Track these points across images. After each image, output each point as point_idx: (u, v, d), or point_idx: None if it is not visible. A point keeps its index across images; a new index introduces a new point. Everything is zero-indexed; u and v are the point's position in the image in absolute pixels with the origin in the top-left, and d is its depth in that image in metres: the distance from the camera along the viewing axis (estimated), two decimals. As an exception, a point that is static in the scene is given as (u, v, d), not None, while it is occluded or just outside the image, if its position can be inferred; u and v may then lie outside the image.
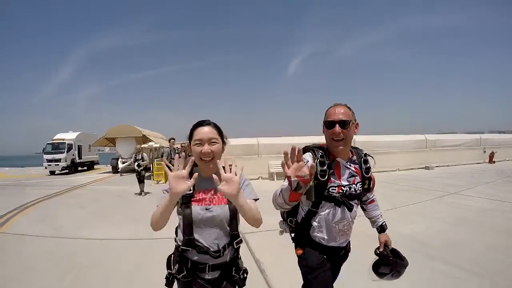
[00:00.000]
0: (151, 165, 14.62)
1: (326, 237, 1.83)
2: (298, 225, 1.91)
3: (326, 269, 1.83)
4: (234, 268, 1.59)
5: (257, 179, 12.18)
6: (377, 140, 14.36)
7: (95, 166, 23.82)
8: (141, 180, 9.52)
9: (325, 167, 1.73)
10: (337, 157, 1.80)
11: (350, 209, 1.81)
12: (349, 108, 1.78)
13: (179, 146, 9.69)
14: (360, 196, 1.90)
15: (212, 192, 1.55)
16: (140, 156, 9.52)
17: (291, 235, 2.00)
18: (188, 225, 1.49)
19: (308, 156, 1.75)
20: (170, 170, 1.39)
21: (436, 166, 13.61)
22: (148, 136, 17.89)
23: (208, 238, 1.51)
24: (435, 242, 4.29)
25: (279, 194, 1.59)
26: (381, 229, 2.04)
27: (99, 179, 14.54)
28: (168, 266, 1.60)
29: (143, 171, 9.59)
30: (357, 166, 1.85)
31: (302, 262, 1.86)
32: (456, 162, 14.66)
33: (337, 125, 1.72)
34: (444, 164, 14.20)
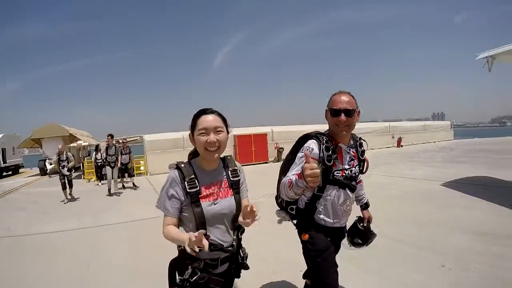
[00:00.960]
0: (81, 164, 14.73)
1: (331, 219, 1.93)
2: (300, 211, 1.98)
3: (332, 250, 1.97)
4: (240, 255, 1.61)
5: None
6: (294, 130, 15.74)
7: (20, 170, 22.17)
8: (68, 185, 8.27)
9: (330, 152, 1.82)
10: (339, 142, 1.90)
11: (353, 190, 1.96)
12: (352, 96, 1.88)
13: (117, 142, 9.98)
14: (357, 177, 2.02)
15: (217, 185, 1.52)
16: (64, 156, 8.11)
17: (292, 222, 2.07)
18: (201, 224, 1.44)
19: (313, 144, 1.85)
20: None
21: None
22: (75, 135, 17.29)
23: (219, 233, 1.50)
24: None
25: (290, 188, 1.65)
26: (366, 206, 2.24)
27: (29, 182, 14.06)
28: (179, 273, 1.49)
29: (71, 174, 8.39)
30: (354, 150, 1.97)
31: (310, 246, 1.93)
32: (369, 147, 16.99)
33: (342, 113, 1.80)
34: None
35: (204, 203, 1.45)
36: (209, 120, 1.44)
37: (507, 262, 3.14)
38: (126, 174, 10.42)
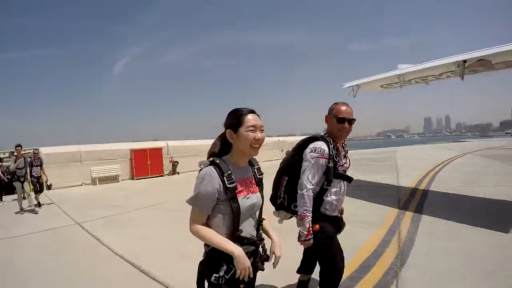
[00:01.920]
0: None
1: (333, 209, 2.25)
2: None
3: (336, 235, 2.31)
4: (262, 247, 1.68)
5: (81, 185, 12.89)
6: (188, 144, 16.99)
7: None
8: None
9: (336, 151, 2.18)
10: (338, 143, 2.26)
11: (350, 181, 2.30)
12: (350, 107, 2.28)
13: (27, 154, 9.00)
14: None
15: (247, 181, 1.59)
16: None
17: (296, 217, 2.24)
18: (237, 218, 1.49)
19: (323, 145, 2.16)
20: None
21: (241, 164, 16.88)
22: None
23: (249, 227, 1.58)
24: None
25: (302, 220, 2.09)
26: None
27: None
28: (214, 270, 1.48)
29: None
30: (343, 149, 2.33)
31: (321, 235, 2.18)
32: (260, 160, 18.30)
33: (346, 122, 2.20)
34: (251, 161, 17.68)
35: (240, 198, 1.50)
36: (256, 118, 1.52)
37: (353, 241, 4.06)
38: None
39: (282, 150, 20.63)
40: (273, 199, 2.44)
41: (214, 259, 1.50)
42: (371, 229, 4.85)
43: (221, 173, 1.47)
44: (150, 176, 14.16)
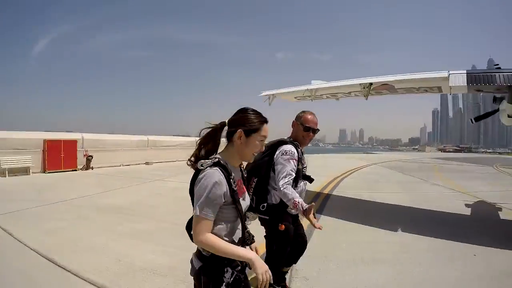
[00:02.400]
0: None
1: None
2: (273, 207, 2.40)
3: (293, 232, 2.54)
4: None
5: (-13, 176, 11.30)
6: (106, 138, 15.79)
7: None
8: None
9: (302, 155, 2.46)
10: (301, 147, 2.51)
11: (312, 181, 2.55)
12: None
13: None
14: None
15: (240, 182, 1.57)
16: None
17: (265, 218, 2.43)
18: (243, 223, 1.53)
19: (293, 148, 2.38)
20: None
21: (156, 162, 16.11)
22: None
23: (243, 227, 1.56)
24: (134, 207, 6.66)
25: (295, 208, 2.13)
26: None
27: None
28: (219, 278, 1.43)
29: None
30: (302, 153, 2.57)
31: (285, 234, 2.40)
32: (175, 158, 17.78)
33: (311, 131, 2.52)
34: (163, 160, 16.95)
35: (240, 200, 1.49)
36: (267, 130, 1.53)
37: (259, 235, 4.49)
38: None
39: (191, 151, 20.29)
40: None
41: (216, 265, 1.44)
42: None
43: (227, 175, 1.43)
44: (63, 170, 12.81)
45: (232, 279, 1.42)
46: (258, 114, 1.53)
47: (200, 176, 1.44)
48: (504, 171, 16.99)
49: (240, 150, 1.51)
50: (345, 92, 8.18)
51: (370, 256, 4.11)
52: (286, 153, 2.33)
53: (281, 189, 2.23)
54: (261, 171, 2.39)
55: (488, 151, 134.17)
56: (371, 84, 6.71)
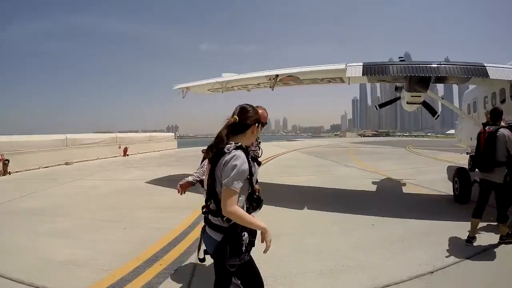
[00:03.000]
0: None
1: None
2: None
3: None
4: None
5: None
6: (22, 140, 14.16)
7: None
8: None
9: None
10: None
11: (260, 164, 2.54)
12: None
13: None
14: None
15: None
16: None
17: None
18: (253, 189, 1.95)
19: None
20: None
21: (76, 162, 15.11)
22: None
23: (255, 192, 2.01)
24: (54, 208, 6.47)
25: None
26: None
27: None
28: (238, 244, 1.78)
29: None
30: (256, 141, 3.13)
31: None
32: (95, 157, 16.88)
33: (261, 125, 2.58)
34: (84, 159, 15.98)
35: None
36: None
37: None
38: None
39: (119, 147, 19.46)
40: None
41: (236, 231, 1.78)
42: (188, 212, 5.69)
43: (247, 156, 1.79)
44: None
45: (248, 240, 1.80)
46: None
47: (228, 157, 1.73)
48: (414, 151, 19.34)
49: (252, 139, 2.02)
50: (254, 83, 8.60)
51: (274, 233, 4.54)
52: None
53: None
54: None
55: (404, 134, 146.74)
56: (277, 75, 7.23)
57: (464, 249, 3.86)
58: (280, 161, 14.37)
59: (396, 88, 8.50)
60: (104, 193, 7.90)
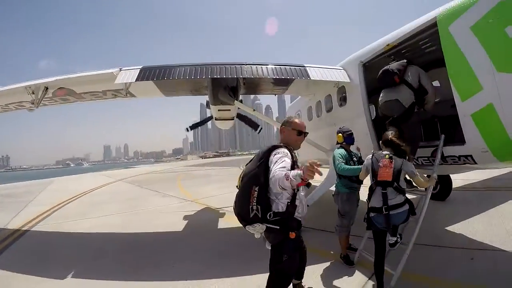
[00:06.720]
0: None
1: (303, 211, 2.51)
2: (280, 214, 2.35)
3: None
4: None
5: None
6: None
7: None
8: None
9: (296, 158, 2.58)
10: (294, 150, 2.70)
11: (309, 186, 2.50)
12: None
13: None
14: None
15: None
16: None
17: (274, 227, 2.35)
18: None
19: (285, 149, 2.46)
20: None
21: None
22: None
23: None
24: None
25: (288, 180, 2.07)
26: None
27: None
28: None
29: None
30: None
31: (295, 242, 2.42)
32: None
33: (303, 134, 2.75)
34: None
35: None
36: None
37: None
38: None
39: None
40: (244, 214, 2.39)
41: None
42: None
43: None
44: None
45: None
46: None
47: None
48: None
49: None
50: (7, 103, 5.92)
51: None
52: (278, 152, 2.39)
53: (279, 176, 2.17)
54: (260, 179, 2.35)
55: (244, 153, 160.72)
56: (47, 88, 5.15)
57: None
58: (93, 197, 11.98)
59: (207, 104, 6.98)
60: None
